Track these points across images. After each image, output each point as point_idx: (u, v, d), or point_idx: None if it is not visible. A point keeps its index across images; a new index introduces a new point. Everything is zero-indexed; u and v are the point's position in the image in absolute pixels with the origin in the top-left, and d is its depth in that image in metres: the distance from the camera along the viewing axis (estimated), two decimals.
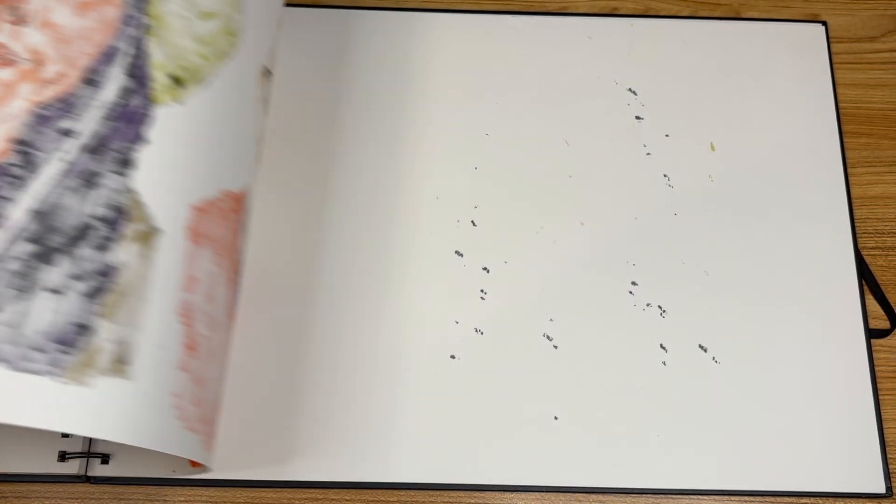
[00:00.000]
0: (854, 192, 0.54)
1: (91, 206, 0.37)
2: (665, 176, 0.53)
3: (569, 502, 0.47)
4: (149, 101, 0.40)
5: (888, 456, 0.48)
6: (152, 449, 0.37)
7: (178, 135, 0.40)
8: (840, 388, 0.49)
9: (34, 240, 0.36)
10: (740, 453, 0.47)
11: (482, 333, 0.49)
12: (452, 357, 0.49)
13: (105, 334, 0.36)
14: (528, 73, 0.56)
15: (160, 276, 0.38)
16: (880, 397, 0.49)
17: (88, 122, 0.38)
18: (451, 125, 0.54)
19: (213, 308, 0.41)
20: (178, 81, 0.41)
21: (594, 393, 0.48)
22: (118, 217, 0.37)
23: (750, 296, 0.51)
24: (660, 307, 0.50)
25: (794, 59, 0.57)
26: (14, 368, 0.34)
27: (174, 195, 0.39)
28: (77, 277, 0.36)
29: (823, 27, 0.58)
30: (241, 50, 0.44)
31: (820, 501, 0.47)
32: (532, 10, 0.59)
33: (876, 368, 0.50)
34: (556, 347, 0.49)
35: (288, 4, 0.57)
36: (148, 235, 0.38)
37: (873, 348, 0.50)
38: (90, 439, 0.46)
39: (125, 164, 0.38)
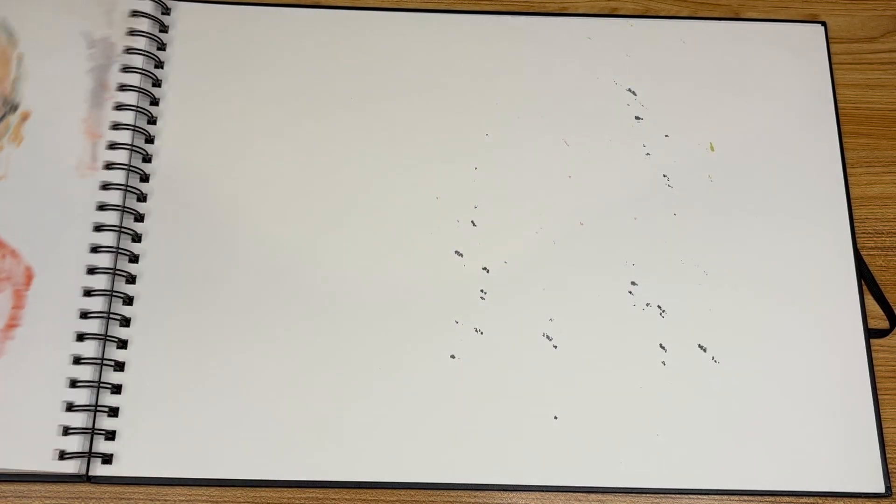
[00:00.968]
0: (853, 192, 0.54)
1: None
2: (664, 176, 0.53)
3: (569, 502, 0.47)
4: None
5: (888, 456, 0.48)
6: None
7: None
8: (839, 387, 0.49)
9: None
10: (740, 453, 0.47)
11: (482, 333, 0.49)
12: (452, 357, 0.49)
13: None
14: (528, 73, 0.56)
15: None
16: (879, 397, 0.49)
17: None
18: (451, 125, 0.54)
19: None
20: None
21: (594, 393, 0.48)
22: None
23: (749, 296, 0.51)
24: (659, 307, 0.50)
25: (794, 59, 0.57)
26: None
27: None
28: None
29: (823, 28, 0.58)
30: None
31: (819, 501, 0.47)
32: (532, 10, 0.59)
33: (875, 368, 0.50)
34: (555, 347, 0.49)
35: (300, 6, 0.57)
36: None
37: (872, 348, 0.50)
38: (91, 439, 0.46)
39: None
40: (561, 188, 0.53)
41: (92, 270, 0.49)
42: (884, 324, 0.51)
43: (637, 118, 0.55)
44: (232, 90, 0.55)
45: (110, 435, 0.47)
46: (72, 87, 0.52)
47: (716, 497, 0.47)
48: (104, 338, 0.48)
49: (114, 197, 0.51)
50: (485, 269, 0.51)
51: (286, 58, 0.56)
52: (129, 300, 0.50)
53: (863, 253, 0.53)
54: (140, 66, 0.54)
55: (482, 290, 0.50)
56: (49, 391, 0.47)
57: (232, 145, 0.53)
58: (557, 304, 0.50)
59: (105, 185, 0.51)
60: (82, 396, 0.47)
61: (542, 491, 0.47)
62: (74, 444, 0.46)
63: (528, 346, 0.49)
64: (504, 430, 0.47)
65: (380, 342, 0.49)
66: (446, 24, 0.57)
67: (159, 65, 0.55)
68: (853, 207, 0.53)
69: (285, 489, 0.47)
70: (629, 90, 0.56)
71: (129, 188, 0.51)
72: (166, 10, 0.57)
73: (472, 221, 0.52)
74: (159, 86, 0.55)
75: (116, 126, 0.52)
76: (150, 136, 0.53)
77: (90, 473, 0.46)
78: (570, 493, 0.47)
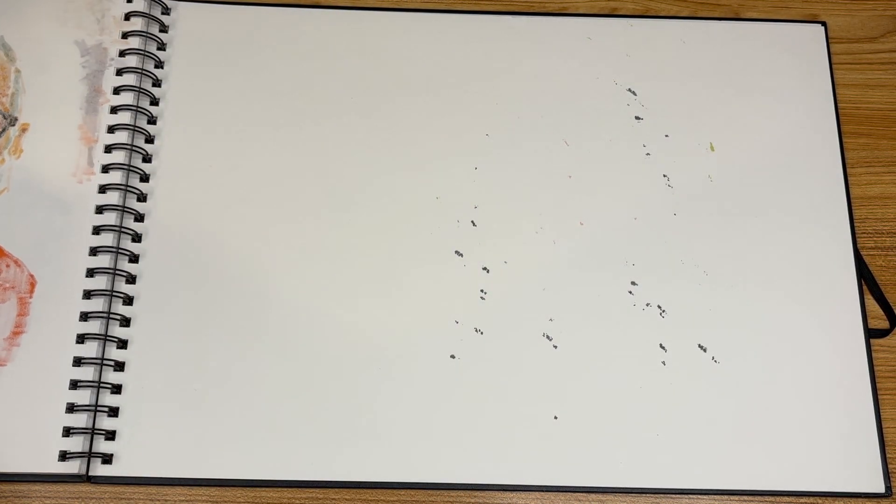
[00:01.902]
0: (853, 192, 0.54)
1: None
2: (664, 176, 0.53)
3: (569, 502, 0.47)
4: None
5: (888, 456, 0.48)
6: None
7: None
8: (839, 387, 0.49)
9: None
10: (740, 453, 0.47)
11: (482, 333, 0.49)
12: (452, 357, 0.49)
13: None
14: (528, 73, 0.56)
15: None
16: (879, 397, 0.49)
17: None
18: (451, 125, 0.54)
19: None
20: None
21: (594, 392, 0.48)
22: None
23: (749, 295, 0.51)
24: (659, 307, 0.50)
25: (794, 59, 0.57)
26: None
27: None
28: None
29: (823, 28, 0.58)
30: None
31: (819, 501, 0.47)
32: (532, 10, 0.59)
33: (875, 368, 0.50)
34: (555, 347, 0.49)
35: (300, 6, 0.57)
36: None
37: (872, 348, 0.50)
38: (91, 439, 0.46)
39: None
40: (561, 188, 0.53)
41: (92, 272, 0.49)
42: (884, 324, 0.51)
43: (637, 118, 0.55)
44: (232, 89, 0.55)
45: (110, 435, 0.47)
46: (67, 96, 0.53)
47: (716, 497, 0.47)
48: (104, 338, 0.48)
49: (112, 198, 0.51)
50: (485, 269, 0.51)
51: (286, 57, 0.56)
52: (129, 300, 0.50)
53: (863, 253, 0.53)
54: (136, 66, 0.54)
55: (482, 290, 0.50)
56: (51, 393, 0.47)
57: (232, 144, 0.53)
58: (557, 304, 0.50)
59: (103, 188, 0.51)
60: (83, 397, 0.47)
61: (542, 491, 0.47)
62: (75, 444, 0.46)
63: (528, 345, 0.49)
64: (504, 430, 0.48)
65: (380, 342, 0.49)
66: (446, 24, 0.57)
67: (159, 65, 0.55)
68: (853, 207, 0.53)
69: (285, 489, 0.47)
70: (629, 90, 0.56)
71: (128, 188, 0.51)
72: (166, 10, 0.57)
73: (472, 221, 0.52)
74: (159, 86, 0.55)
75: (112, 129, 0.53)
76: (149, 136, 0.53)
77: (90, 473, 0.46)
78: (570, 493, 0.47)
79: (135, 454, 0.47)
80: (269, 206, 0.52)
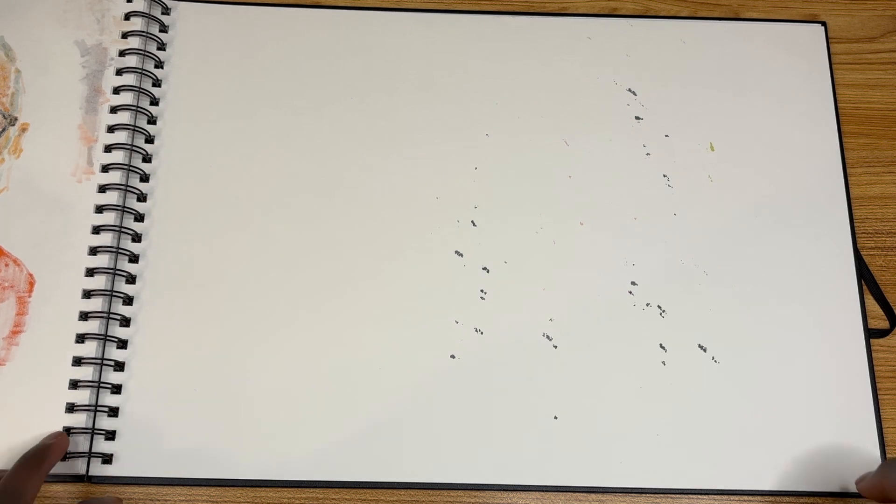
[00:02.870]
0: (853, 192, 0.54)
1: None
2: (664, 176, 0.53)
3: (568, 502, 0.47)
4: None
5: (888, 456, 0.48)
6: None
7: None
8: (839, 387, 0.49)
9: None
10: (740, 453, 0.47)
11: (482, 333, 0.49)
12: (452, 357, 0.49)
13: None
14: (528, 73, 0.56)
15: None
16: (879, 397, 0.49)
17: None
18: (451, 125, 0.54)
19: None
20: None
21: (594, 392, 0.48)
22: None
23: (749, 295, 0.51)
24: (659, 307, 0.50)
25: (794, 59, 0.57)
26: None
27: None
28: None
29: (823, 28, 0.58)
30: None
31: (819, 501, 0.47)
32: (532, 10, 0.59)
33: (875, 368, 0.50)
34: (555, 347, 0.49)
35: (300, 6, 0.57)
36: None
37: (872, 348, 0.50)
38: (91, 438, 0.46)
39: None
40: (561, 188, 0.53)
41: (91, 272, 0.49)
42: (884, 324, 0.51)
43: (637, 118, 0.55)
44: (232, 89, 0.55)
45: (110, 435, 0.47)
46: (67, 96, 0.53)
47: (716, 497, 0.47)
48: (104, 338, 0.48)
49: (112, 198, 0.51)
50: (485, 269, 0.51)
51: (286, 57, 0.56)
52: (128, 300, 0.49)
53: (863, 253, 0.53)
54: (135, 66, 0.54)
55: (482, 290, 0.50)
56: (51, 393, 0.47)
57: (232, 144, 0.53)
58: (557, 304, 0.50)
59: (102, 188, 0.51)
60: (83, 397, 0.47)
61: (542, 491, 0.47)
62: (75, 444, 0.46)
63: (528, 345, 0.49)
64: (504, 429, 0.47)
65: (380, 342, 0.49)
66: (446, 24, 0.57)
67: (159, 65, 0.55)
68: (853, 207, 0.53)
69: (285, 489, 0.47)
70: (629, 90, 0.56)
71: (127, 188, 0.51)
72: (166, 10, 0.57)
73: (472, 221, 0.52)
74: (159, 85, 0.55)
75: (112, 128, 0.53)
76: (149, 135, 0.53)
77: (91, 473, 0.46)
78: (570, 493, 0.47)
79: (135, 454, 0.47)
80: (268, 205, 0.52)
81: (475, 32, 0.57)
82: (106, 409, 0.47)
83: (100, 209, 0.51)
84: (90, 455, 0.46)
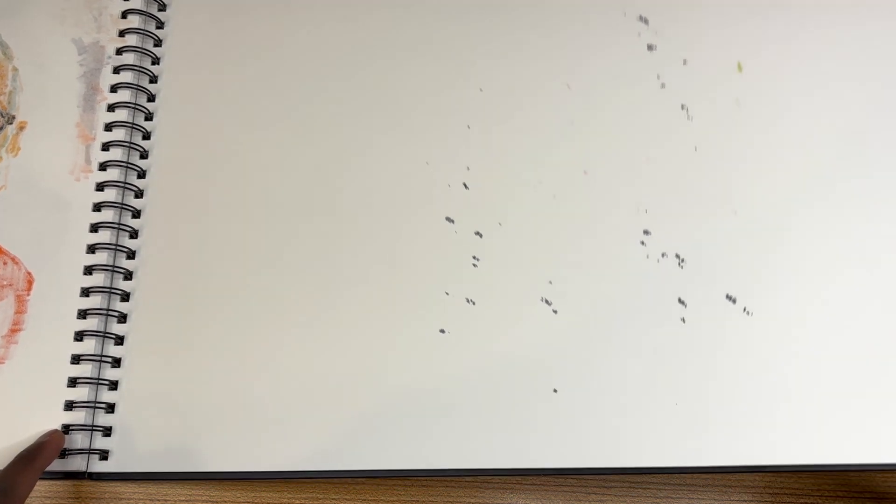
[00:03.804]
0: None
1: None
2: (683, 107, 0.46)
3: (569, 502, 0.41)
4: None
5: None
6: None
7: None
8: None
9: None
10: (777, 423, 0.40)
11: (474, 303, 0.45)
12: (442, 331, 0.44)
13: None
14: (524, 12, 0.50)
15: None
16: None
17: None
18: (440, 81, 0.50)
19: None
20: None
21: (599, 361, 0.42)
22: None
23: (789, 236, 0.42)
24: (677, 255, 0.43)
25: None
26: None
27: None
28: None
29: None
30: None
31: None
32: None
33: None
34: (555, 312, 0.43)
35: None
36: None
37: None
38: (91, 436, 0.46)
39: None
40: (562, 137, 0.47)
41: (90, 270, 0.50)
42: None
43: (650, 47, 0.48)
44: (229, 86, 0.54)
45: (108, 431, 0.47)
46: (64, 94, 0.54)
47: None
48: (102, 335, 0.48)
49: (110, 196, 0.51)
50: (477, 233, 0.46)
51: (284, 53, 0.54)
52: (126, 297, 0.49)
53: None
54: (133, 64, 0.54)
55: (474, 257, 0.46)
56: (50, 391, 0.47)
57: (229, 141, 0.52)
58: (557, 265, 0.44)
59: (100, 186, 0.51)
60: (81, 394, 0.47)
61: (540, 474, 0.41)
62: (74, 441, 0.46)
63: (525, 312, 0.44)
64: (498, 408, 0.42)
65: (366, 321, 0.46)
66: None
67: (156, 62, 0.55)
68: None
69: (285, 490, 0.45)
70: (640, 18, 0.49)
71: (125, 185, 0.51)
72: (163, 7, 0.57)
73: (465, 184, 0.47)
74: (156, 82, 0.55)
75: (110, 126, 0.53)
76: (147, 133, 0.53)
77: (90, 470, 0.46)
78: (569, 489, 0.41)
79: (134, 450, 0.46)
80: (267, 203, 0.50)
81: None
82: (104, 405, 0.47)
83: (98, 207, 0.51)
84: (90, 452, 0.46)
